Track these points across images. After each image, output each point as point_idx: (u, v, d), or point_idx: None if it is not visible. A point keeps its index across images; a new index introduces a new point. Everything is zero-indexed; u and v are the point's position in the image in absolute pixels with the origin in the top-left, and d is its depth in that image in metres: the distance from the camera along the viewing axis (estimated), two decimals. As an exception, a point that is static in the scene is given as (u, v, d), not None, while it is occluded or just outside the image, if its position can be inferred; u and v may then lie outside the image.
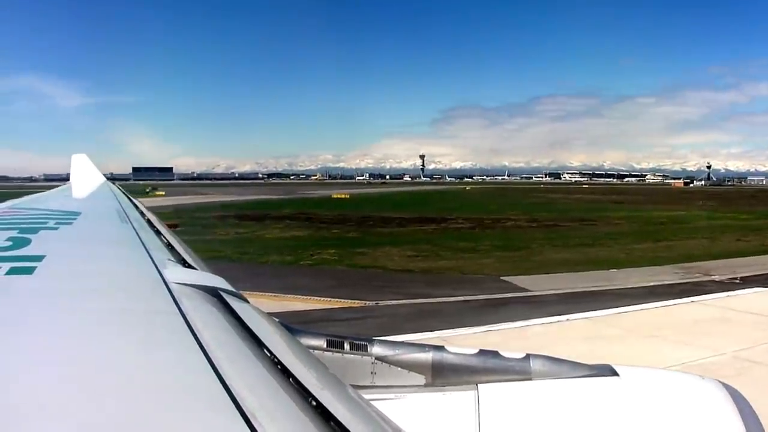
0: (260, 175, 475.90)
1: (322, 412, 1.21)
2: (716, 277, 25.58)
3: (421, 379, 2.51)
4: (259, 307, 2.01)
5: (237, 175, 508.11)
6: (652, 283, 24.15)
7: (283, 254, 33.40)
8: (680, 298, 19.82)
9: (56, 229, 3.26)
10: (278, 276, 25.80)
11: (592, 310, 17.83)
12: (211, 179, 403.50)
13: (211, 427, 1.05)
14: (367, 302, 20.49)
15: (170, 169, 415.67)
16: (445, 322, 16.59)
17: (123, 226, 3.95)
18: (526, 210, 74.57)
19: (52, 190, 9.13)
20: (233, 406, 1.08)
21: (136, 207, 5.92)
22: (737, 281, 24.49)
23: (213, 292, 1.95)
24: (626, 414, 2.26)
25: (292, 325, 2.49)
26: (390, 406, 2.23)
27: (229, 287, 2.04)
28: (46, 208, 4.97)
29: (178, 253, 2.82)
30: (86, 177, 10.07)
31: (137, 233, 3.43)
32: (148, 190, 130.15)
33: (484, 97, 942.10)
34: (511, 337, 14.94)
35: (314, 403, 1.24)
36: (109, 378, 1.20)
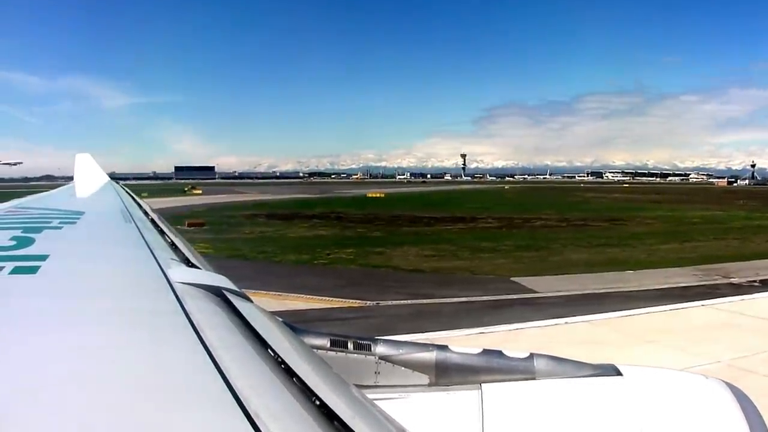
0: (301, 174, 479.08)
1: (326, 412, 1.21)
2: (735, 280, 24.71)
3: (424, 379, 2.51)
4: (261, 307, 2.02)
5: (278, 174, 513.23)
6: (666, 286, 23.48)
7: (300, 253, 33.63)
8: (692, 301, 19.25)
9: (60, 228, 3.31)
10: (287, 275, 26.00)
11: (596, 313, 17.51)
12: (252, 178, 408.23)
13: (215, 427, 1.06)
14: (368, 302, 20.48)
15: (212, 168, 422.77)
16: (440, 324, 16.51)
17: (127, 226, 4.01)
18: (559, 209, 73.37)
19: (55, 190, 9.35)
20: (237, 405, 1.09)
21: (140, 206, 5.99)
22: (756, 284, 23.60)
23: (217, 292, 1.96)
24: (630, 413, 2.24)
25: (295, 324, 2.52)
26: (394, 405, 2.21)
27: (232, 287, 2.05)
28: (50, 207, 5.02)
29: (182, 253, 2.84)
30: (90, 176, 10.27)
31: (141, 233, 3.47)
32: (185, 189, 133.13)
33: (527, 96, 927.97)
34: (504, 340, 14.73)
35: (318, 402, 1.24)
36: (113, 377, 1.21)
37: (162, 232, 3.66)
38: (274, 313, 2.19)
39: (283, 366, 1.42)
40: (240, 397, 1.12)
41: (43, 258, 2.20)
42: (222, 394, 1.13)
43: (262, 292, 19.69)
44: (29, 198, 6.32)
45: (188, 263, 2.57)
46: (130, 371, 1.24)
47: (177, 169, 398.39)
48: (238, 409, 1.08)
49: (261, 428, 1.02)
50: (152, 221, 4.42)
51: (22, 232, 2.85)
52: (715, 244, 37.39)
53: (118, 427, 1.02)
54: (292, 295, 21.12)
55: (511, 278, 25.08)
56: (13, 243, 2.53)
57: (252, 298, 2.11)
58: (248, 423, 1.03)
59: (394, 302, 20.57)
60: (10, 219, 3.68)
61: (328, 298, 20.91)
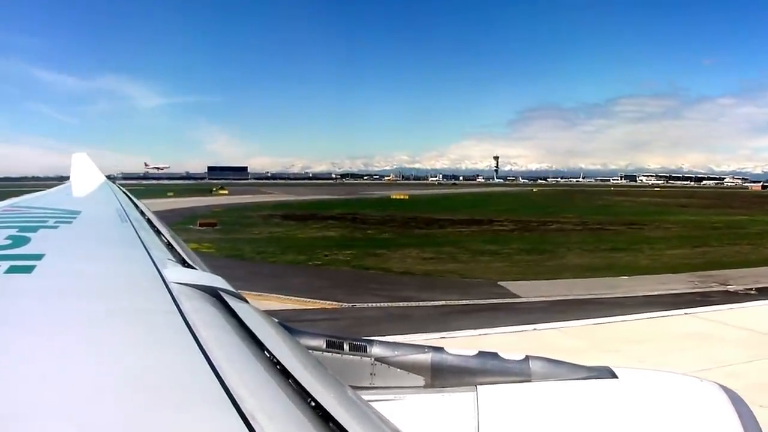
0: (333, 176, 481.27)
1: (322, 413, 1.21)
2: (732, 288, 23.90)
3: (420, 381, 2.49)
4: (257, 307, 2.02)
5: (311, 175, 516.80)
6: (657, 293, 22.83)
7: (299, 254, 33.78)
8: (678, 309, 18.61)
9: (56, 228, 3.31)
10: (275, 276, 26.09)
11: (571, 320, 17.06)
12: (284, 179, 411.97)
13: (211, 428, 1.06)
14: (344, 304, 20.40)
15: (245, 169, 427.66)
16: (405, 328, 16.28)
17: (123, 226, 4.00)
18: (580, 213, 72.22)
19: (52, 189, 9.39)
20: (232, 406, 1.08)
21: (136, 206, 5.98)
22: (752, 292, 22.73)
23: (212, 292, 1.93)
24: (625, 416, 2.24)
25: (292, 325, 2.54)
26: (389, 407, 2.21)
27: (228, 287, 2.02)
28: (46, 206, 5.01)
29: (178, 253, 2.82)
30: (87, 176, 10.23)
31: (137, 233, 3.46)
32: (212, 190, 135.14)
33: (562, 98, 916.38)
34: (463, 345, 14.45)
35: (313, 404, 1.24)
36: (108, 378, 1.20)
37: (158, 232, 3.64)
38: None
39: (278, 367, 1.41)
40: (235, 398, 1.11)
41: (38, 257, 2.18)
42: (217, 394, 1.13)
43: (242, 292, 19.70)
44: (25, 197, 6.24)
45: (184, 263, 2.54)
46: (125, 372, 1.24)
47: (210, 169, 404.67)
48: (234, 410, 1.07)
49: (256, 429, 1.02)
50: (148, 221, 4.40)
51: (17, 231, 2.84)
52: (726, 250, 36.34)
53: (114, 427, 1.01)
54: (272, 295, 21.14)
55: (499, 282, 24.75)
56: (9, 242, 2.52)
57: None
58: (243, 424, 1.03)
59: (370, 305, 20.48)
60: (5, 218, 3.68)
61: (305, 299, 20.92)
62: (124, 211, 5.01)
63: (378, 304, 20.56)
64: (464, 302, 20.83)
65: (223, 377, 1.20)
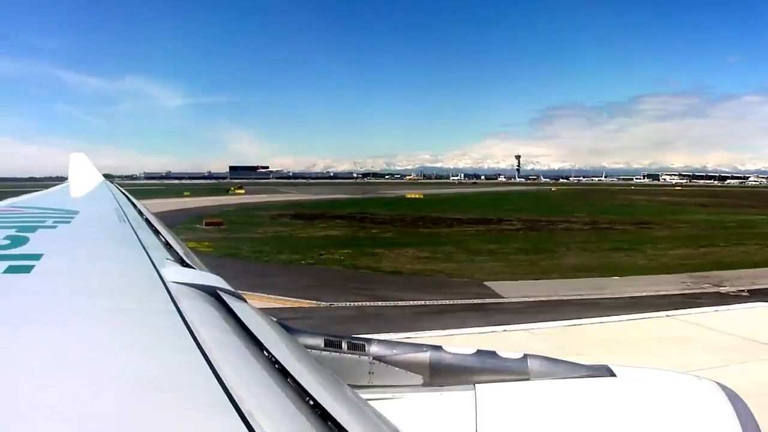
0: (354, 175, 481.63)
1: (320, 412, 1.21)
2: (724, 289, 23.32)
3: (418, 379, 2.51)
4: (256, 307, 2.03)
5: (332, 174, 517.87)
6: (644, 294, 22.38)
7: (295, 253, 33.77)
8: (663, 310, 18.21)
9: (54, 227, 3.37)
10: (263, 275, 26.07)
11: (548, 321, 16.78)
12: (306, 178, 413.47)
13: (209, 426, 1.06)
14: (322, 303, 20.36)
15: (266, 168, 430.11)
16: (372, 329, 16.14)
17: (121, 225, 4.04)
18: (593, 212, 71.21)
19: (50, 189, 9.42)
20: (231, 405, 1.09)
21: (135, 206, 6.05)
22: (744, 294, 22.16)
23: (211, 292, 1.96)
24: (623, 414, 2.25)
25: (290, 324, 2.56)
26: (388, 405, 2.23)
27: (227, 287, 2.05)
28: (45, 206, 5.10)
29: (177, 253, 2.85)
30: (85, 176, 10.42)
31: (135, 232, 3.50)
32: (228, 189, 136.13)
33: (585, 96, 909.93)
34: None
35: (312, 402, 1.25)
36: (106, 377, 1.21)
37: (156, 232, 3.67)
38: None
39: (277, 366, 1.42)
40: (234, 397, 1.12)
41: (37, 257, 2.20)
42: (216, 394, 1.13)
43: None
44: (24, 197, 6.37)
45: (183, 263, 2.57)
46: (124, 371, 1.24)
47: (231, 169, 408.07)
48: (232, 409, 1.07)
49: (255, 428, 1.02)
50: (147, 221, 4.44)
51: (16, 231, 2.88)
52: (732, 250, 35.48)
53: (113, 426, 1.01)
54: (251, 293, 21.07)
55: (485, 282, 24.44)
56: (7, 242, 2.55)
57: None
58: (242, 423, 1.03)
59: (348, 304, 20.41)
60: (4, 218, 3.74)
61: (284, 298, 20.90)
62: (123, 210, 5.06)
63: (355, 304, 20.48)
64: (442, 302, 20.63)
65: (221, 376, 1.20)
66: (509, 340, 15.35)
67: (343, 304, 20.31)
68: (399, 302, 20.65)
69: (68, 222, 3.68)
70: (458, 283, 24.89)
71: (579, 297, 21.68)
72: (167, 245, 3.07)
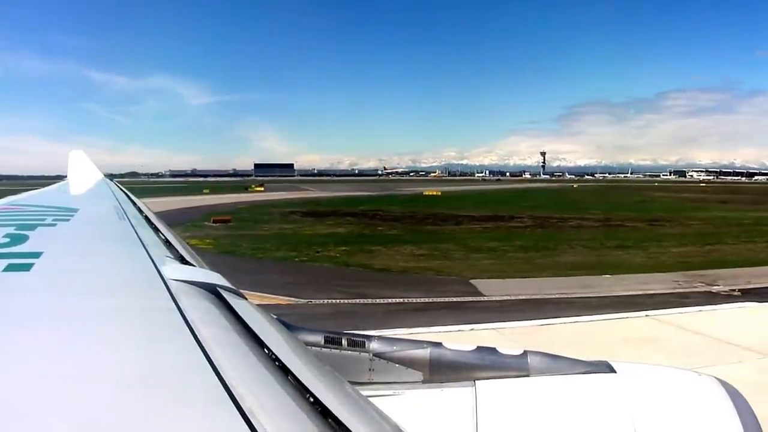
0: (379, 172, 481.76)
1: (320, 409, 1.22)
2: (716, 288, 22.77)
3: (418, 376, 2.53)
4: (255, 304, 2.04)
5: (357, 171, 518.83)
6: (632, 293, 21.95)
7: (292, 251, 33.88)
8: (646, 310, 17.82)
9: (54, 225, 3.41)
10: (252, 272, 26.26)
11: (520, 321, 16.54)
12: (330, 175, 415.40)
13: (210, 424, 1.06)
14: (301, 300, 20.39)
15: (291, 166, 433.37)
16: (342, 325, 16.11)
17: (121, 223, 4.07)
18: (610, 208, 70.20)
19: (49, 187, 9.52)
20: (231, 402, 1.10)
21: (134, 203, 6.08)
22: (736, 293, 21.57)
23: (211, 289, 1.96)
24: (623, 410, 2.25)
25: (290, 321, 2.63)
26: (388, 402, 2.27)
27: (227, 284, 2.06)
28: (44, 204, 5.12)
29: (176, 250, 2.86)
30: (84, 174, 10.38)
31: (135, 230, 3.51)
32: (248, 187, 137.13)
33: (611, 93, 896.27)
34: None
35: (312, 399, 1.25)
36: (107, 375, 1.22)
37: (156, 229, 3.69)
38: None
39: (277, 363, 1.42)
40: (234, 394, 1.12)
41: (36, 255, 2.21)
42: (216, 391, 1.14)
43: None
44: (23, 195, 6.39)
45: (183, 260, 2.57)
46: (124, 369, 1.25)
47: (257, 166, 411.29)
48: (233, 406, 1.08)
49: (255, 425, 1.02)
50: (146, 218, 4.47)
51: (16, 230, 2.88)
52: (737, 248, 34.71)
53: (113, 424, 1.02)
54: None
55: (471, 280, 24.24)
56: (7, 240, 2.56)
57: None
58: (242, 420, 1.03)
59: (326, 301, 20.40)
60: (4, 216, 3.76)
61: (264, 295, 20.90)
62: (122, 208, 5.07)
63: (333, 301, 20.48)
64: (421, 300, 20.53)
65: (221, 374, 1.20)
66: (471, 338, 15.17)
67: (322, 301, 20.31)
68: (377, 300, 20.57)
69: (68, 220, 3.69)
70: (444, 281, 24.74)
71: (562, 296, 21.36)
72: (167, 243, 3.05)
